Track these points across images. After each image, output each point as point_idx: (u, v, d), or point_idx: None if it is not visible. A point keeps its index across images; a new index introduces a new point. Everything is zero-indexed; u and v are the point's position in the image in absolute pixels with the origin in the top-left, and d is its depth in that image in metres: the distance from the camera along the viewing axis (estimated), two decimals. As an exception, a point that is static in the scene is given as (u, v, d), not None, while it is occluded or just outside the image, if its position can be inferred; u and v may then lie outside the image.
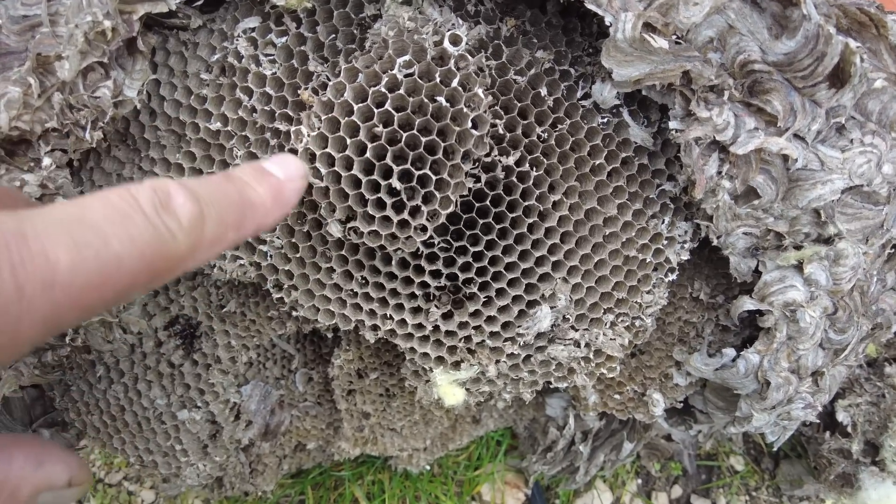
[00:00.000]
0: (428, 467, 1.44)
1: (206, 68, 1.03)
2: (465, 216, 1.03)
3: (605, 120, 1.03)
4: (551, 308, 1.05)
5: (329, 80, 0.98)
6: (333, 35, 1.00)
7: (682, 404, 1.33)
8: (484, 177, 1.00)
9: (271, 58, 1.00)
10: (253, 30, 1.00)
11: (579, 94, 1.02)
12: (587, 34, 1.02)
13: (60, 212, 0.44)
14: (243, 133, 1.02)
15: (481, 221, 1.03)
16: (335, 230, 0.98)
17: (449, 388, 1.07)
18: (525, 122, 1.00)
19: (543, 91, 1.00)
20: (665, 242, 1.08)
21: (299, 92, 0.99)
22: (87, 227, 0.43)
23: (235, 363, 1.21)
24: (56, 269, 0.40)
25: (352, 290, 1.07)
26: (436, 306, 1.08)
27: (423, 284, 1.07)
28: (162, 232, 0.47)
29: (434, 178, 0.93)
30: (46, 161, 0.97)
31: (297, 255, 1.06)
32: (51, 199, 1.00)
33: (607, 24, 0.88)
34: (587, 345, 1.09)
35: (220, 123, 1.02)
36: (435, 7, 0.96)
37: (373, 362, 1.26)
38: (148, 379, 1.22)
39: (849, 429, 1.46)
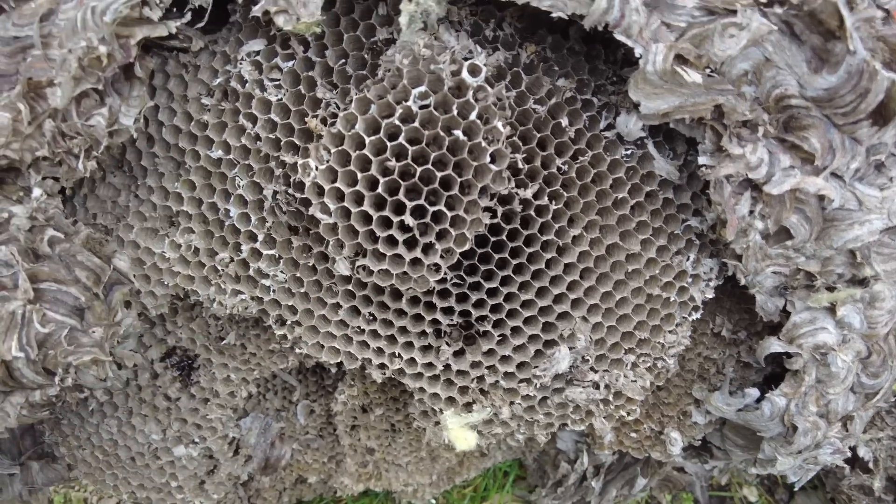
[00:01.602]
0: (434, 501, 1.39)
1: (208, 92, 0.97)
2: (479, 250, 0.98)
3: (629, 152, 0.97)
4: (570, 349, 0.99)
5: (338, 108, 0.93)
6: (343, 60, 0.94)
7: (700, 442, 1.28)
8: (500, 209, 0.95)
9: (277, 83, 0.94)
10: (257, 53, 0.94)
11: (602, 124, 0.96)
12: (611, 61, 0.97)
13: None
14: (246, 162, 0.96)
15: (497, 256, 0.98)
16: (343, 268, 0.93)
17: (461, 432, 1.02)
18: (544, 153, 0.95)
19: (564, 121, 0.95)
20: (689, 280, 1.02)
21: (306, 120, 0.93)
22: None
23: (235, 397, 1.16)
24: None
25: (358, 326, 1.02)
26: (447, 343, 1.02)
27: (435, 322, 1.02)
28: None
29: (449, 214, 0.88)
30: (37, 192, 0.91)
31: (302, 290, 1.00)
32: (41, 231, 0.94)
33: (637, 55, 0.83)
34: (607, 386, 1.04)
35: (222, 151, 0.97)
36: (451, 32, 0.90)
37: (378, 398, 1.20)
38: (143, 413, 1.17)
39: (870, 464, 1.41)
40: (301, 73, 0.94)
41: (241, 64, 0.94)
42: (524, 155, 0.92)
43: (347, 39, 0.93)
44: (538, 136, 0.94)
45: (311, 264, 0.99)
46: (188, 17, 0.89)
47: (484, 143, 0.85)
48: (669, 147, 0.99)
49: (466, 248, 0.90)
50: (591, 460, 1.41)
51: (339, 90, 0.94)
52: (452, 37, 0.90)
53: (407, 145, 0.86)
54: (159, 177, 1.01)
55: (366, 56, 0.94)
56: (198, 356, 1.15)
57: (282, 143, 0.95)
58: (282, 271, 0.99)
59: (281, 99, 0.94)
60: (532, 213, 0.96)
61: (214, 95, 0.97)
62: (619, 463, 1.44)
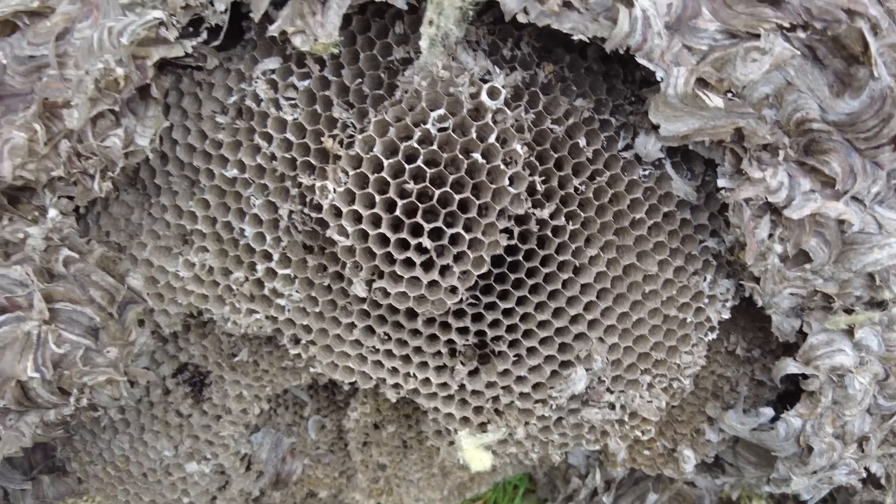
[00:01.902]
0: (444, 515, 1.39)
1: (222, 110, 0.97)
2: (495, 270, 0.97)
3: (647, 172, 0.97)
4: (587, 370, 0.99)
5: (355, 128, 0.92)
6: (360, 79, 0.93)
7: (712, 459, 1.27)
8: (517, 229, 0.94)
9: (292, 102, 0.94)
10: (273, 71, 0.94)
11: (620, 144, 0.96)
12: (629, 81, 0.96)
13: None
14: (262, 181, 0.96)
15: (513, 276, 0.97)
16: (360, 290, 0.92)
17: (476, 453, 1.01)
18: (561, 173, 0.94)
19: (582, 141, 0.94)
20: (706, 301, 1.02)
21: (322, 139, 0.92)
22: None
23: (247, 414, 1.15)
24: None
25: (373, 346, 1.01)
26: (461, 363, 1.02)
27: (450, 341, 1.01)
28: None
29: (467, 237, 0.87)
30: (52, 213, 0.91)
31: (316, 309, 1.00)
32: (55, 251, 0.94)
33: (658, 78, 0.82)
34: (622, 407, 1.03)
35: (237, 170, 0.96)
36: (469, 52, 0.90)
37: (390, 415, 1.20)
38: (155, 429, 1.16)
39: (882, 480, 1.40)
40: (317, 92, 0.93)
41: (256, 82, 0.93)
42: (541, 174, 0.91)
43: (364, 58, 0.93)
44: (555, 155, 0.93)
45: (326, 284, 0.99)
46: (204, 35, 0.89)
47: (502, 166, 0.84)
48: (687, 167, 0.98)
49: (484, 270, 0.89)
50: (603, 475, 1.40)
51: (356, 109, 0.93)
52: (470, 57, 0.89)
53: (425, 168, 0.85)
54: (173, 195, 1.00)
55: (382, 75, 0.94)
56: (210, 372, 1.15)
57: (297, 162, 0.94)
58: (297, 291, 0.98)
59: (297, 118, 0.93)
60: (549, 233, 0.95)
61: (229, 113, 0.96)
62: (630, 478, 1.43)
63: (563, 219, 0.95)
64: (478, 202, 0.86)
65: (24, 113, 0.89)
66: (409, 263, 0.90)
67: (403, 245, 0.89)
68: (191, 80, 0.97)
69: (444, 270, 0.90)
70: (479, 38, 0.91)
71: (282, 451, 1.27)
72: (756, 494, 1.67)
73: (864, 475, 1.08)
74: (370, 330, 1.01)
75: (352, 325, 1.00)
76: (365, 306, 0.99)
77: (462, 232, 0.87)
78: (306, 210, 0.96)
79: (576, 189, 0.95)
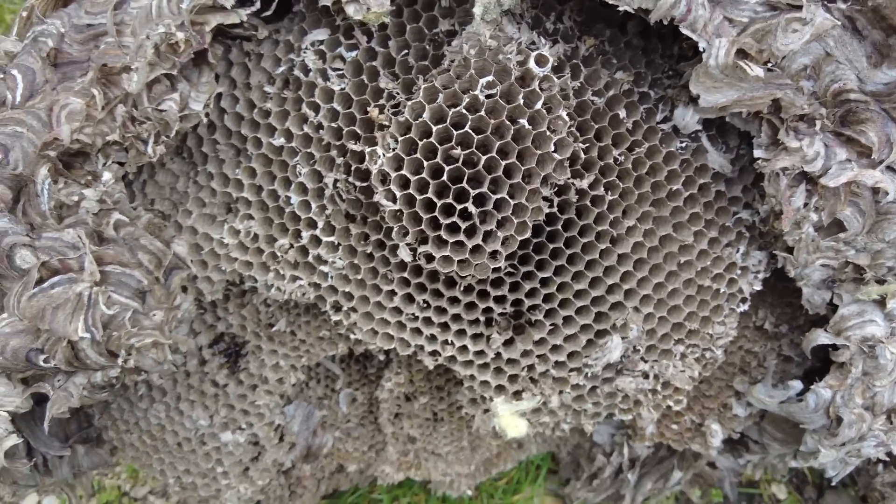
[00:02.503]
0: (470, 492, 1.40)
1: (270, 80, 0.99)
2: (533, 240, 0.99)
3: (684, 144, 0.99)
4: (622, 338, 1.01)
5: (400, 98, 0.95)
6: (406, 51, 0.96)
7: (738, 434, 1.29)
8: (556, 199, 0.96)
9: (340, 72, 0.96)
10: (321, 42, 0.96)
11: (658, 117, 0.98)
12: (667, 56, 0.99)
13: None
14: (308, 150, 0.98)
15: (551, 246, 1.00)
16: (405, 255, 0.94)
17: (511, 420, 1.03)
18: (601, 144, 0.97)
19: (622, 113, 0.96)
20: (739, 272, 1.04)
21: (368, 109, 0.95)
22: None
23: (283, 384, 1.17)
24: None
25: (412, 313, 1.03)
26: (497, 332, 1.04)
27: (487, 310, 1.03)
28: None
29: (512, 202, 0.90)
30: (107, 175, 0.93)
31: (358, 277, 1.02)
32: (107, 214, 0.96)
33: (701, 49, 0.85)
34: (655, 377, 1.05)
35: (284, 139, 0.98)
36: (514, 25, 0.92)
37: (423, 386, 1.22)
38: (190, 399, 1.18)
39: (903, 460, 1.42)
40: (364, 63, 0.96)
41: (304, 53, 0.96)
42: (584, 146, 0.93)
43: (410, 30, 0.95)
44: (595, 126, 0.96)
45: (368, 252, 1.01)
46: (257, 5, 0.91)
47: (548, 133, 0.87)
48: (722, 140, 1.01)
49: (527, 235, 0.91)
50: (630, 452, 1.42)
51: (401, 80, 0.96)
52: (514, 28, 0.92)
53: (472, 134, 0.87)
54: (219, 163, 1.02)
55: (427, 47, 0.96)
56: (246, 343, 1.17)
57: (343, 131, 0.97)
58: (340, 258, 1.00)
59: (343, 88, 0.96)
60: (588, 202, 0.97)
61: (276, 83, 0.98)
62: (654, 456, 1.45)
63: (602, 189, 0.97)
64: (523, 168, 0.88)
65: (81, 79, 0.91)
66: (453, 228, 0.92)
67: (448, 210, 0.91)
68: (240, 51, 0.99)
69: (488, 236, 0.92)
70: (522, 12, 0.94)
71: (313, 423, 1.29)
72: (776, 479, 1.69)
73: (893, 448, 1.10)
74: (410, 297, 1.03)
75: (392, 293, 1.02)
76: (405, 274, 1.01)
77: (507, 197, 0.89)
78: (351, 179, 0.98)
79: (615, 160, 0.97)
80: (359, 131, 0.96)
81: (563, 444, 1.50)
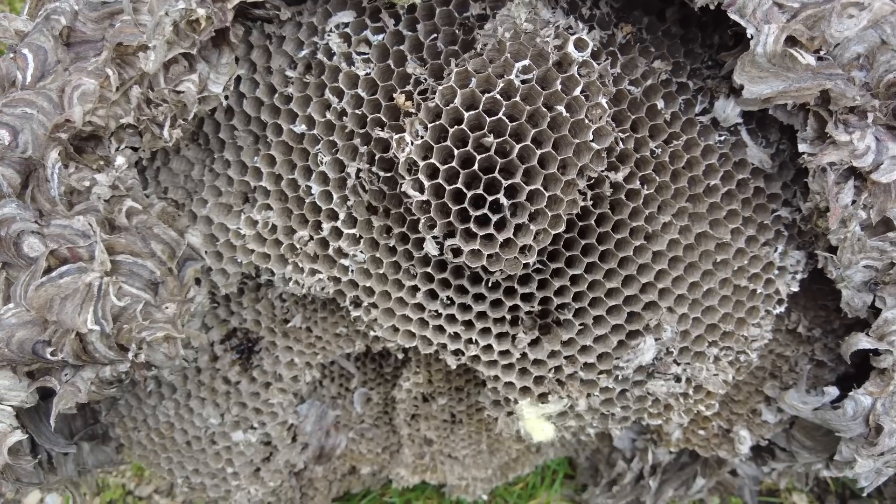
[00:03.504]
0: (485, 497, 1.36)
1: (291, 64, 0.95)
2: (565, 235, 0.95)
3: (723, 138, 0.95)
4: (656, 340, 0.96)
5: (428, 84, 0.90)
6: (434, 35, 0.92)
7: (767, 441, 1.25)
8: (589, 192, 0.92)
9: (365, 57, 0.92)
10: (346, 25, 0.92)
11: (697, 108, 0.94)
12: (707, 45, 0.95)
13: None
14: (330, 138, 0.94)
15: (582, 242, 0.95)
16: (432, 247, 0.90)
17: (537, 423, 0.99)
18: (637, 135, 0.92)
19: (660, 104, 0.92)
20: (776, 272, 1.00)
21: (394, 96, 0.90)
22: None
23: (298, 382, 1.13)
24: None
25: (435, 310, 0.99)
26: (523, 331, 0.99)
27: (514, 308, 0.99)
28: None
29: (546, 194, 0.85)
30: (120, 160, 0.89)
31: (380, 271, 0.97)
32: (119, 201, 0.92)
33: (748, 35, 0.80)
34: (688, 380, 1.01)
35: (306, 126, 0.94)
36: (549, 8, 0.88)
37: (442, 387, 1.17)
38: (201, 396, 1.14)
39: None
40: (391, 47, 0.91)
41: (329, 36, 0.92)
42: (626, 134, 0.89)
43: (439, 14, 0.91)
44: (632, 117, 0.92)
45: (390, 245, 0.97)
46: (281, -16, 0.87)
47: (587, 121, 0.82)
48: (762, 135, 0.96)
49: (561, 229, 0.87)
50: (653, 458, 1.38)
51: (429, 66, 0.92)
52: (549, 13, 0.88)
53: (506, 121, 0.83)
54: (237, 150, 0.98)
55: (457, 31, 0.92)
56: (260, 339, 1.13)
57: (368, 119, 0.93)
58: (361, 251, 0.96)
59: (369, 73, 0.91)
60: (622, 197, 0.93)
61: (297, 68, 0.94)
62: (676, 462, 1.41)
63: (638, 183, 0.93)
64: (559, 158, 0.84)
65: (95, 59, 0.87)
66: (483, 221, 0.88)
67: (478, 202, 0.87)
68: (260, 33, 0.95)
69: (518, 229, 0.88)
70: (558, -4, 0.90)
71: (326, 423, 1.25)
72: (796, 488, 1.64)
73: (933, 458, 1.05)
74: (433, 294, 0.99)
75: (415, 289, 0.98)
76: (429, 269, 0.97)
77: (541, 188, 0.85)
78: (374, 169, 0.94)
79: (651, 152, 0.93)
80: (384, 119, 0.92)
81: (581, 449, 1.45)
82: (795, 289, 1.02)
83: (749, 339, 1.02)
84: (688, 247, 0.96)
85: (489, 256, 0.88)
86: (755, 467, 1.43)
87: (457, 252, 0.89)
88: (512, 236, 0.87)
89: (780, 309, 1.02)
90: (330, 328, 1.11)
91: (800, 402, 1.11)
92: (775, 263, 0.99)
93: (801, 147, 0.89)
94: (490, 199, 0.86)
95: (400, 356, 1.13)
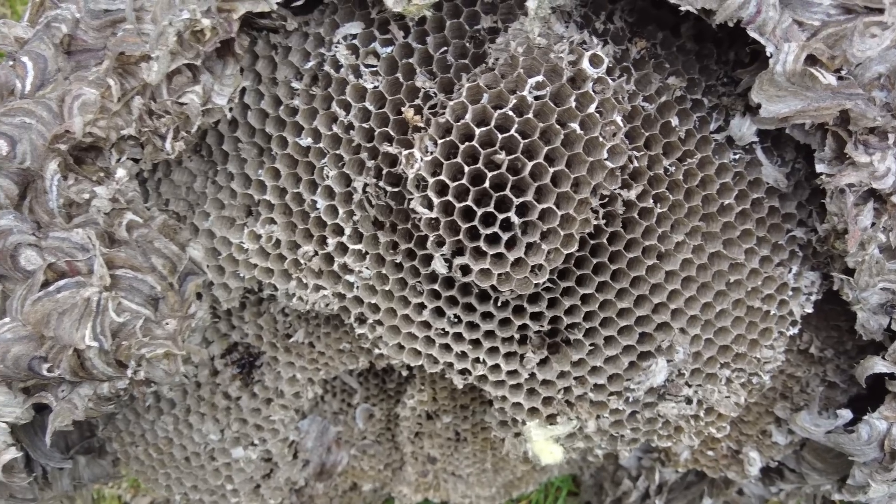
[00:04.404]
0: (488, 515, 1.34)
1: (297, 76, 0.93)
2: (576, 254, 0.93)
3: (737, 157, 0.93)
4: (668, 361, 0.94)
5: (437, 99, 0.88)
6: (444, 48, 0.90)
7: (777, 462, 1.23)
8: (601, 210, 0.90)
9: (373, 69, 0.90)
10: (354, 37, 0.90)
11: (712, 126, 0.92)
12: (722, 62, 0.93)
13: None
14: (336, 151, 0.92)
15: (594, 261, 0.93)
16: (440, 266, 0.88)
17: (545, 445, 0.96)
18: (651, 153, 0.90)
19: (674, 121, 0.90)
20: (790, 293, 0.98)
21: (403, 110, 0.88)
22: None
23: (300, 398, 1.11)
24: None
25: (442, 328, 0.97)
26: (531, 351, 0.97)
27: (523, 327, 0.97)
28: None
29: (559, 213, 0.83)
30: (120, 172, 0.87)
31: (386, 288, 0.95)
32: (119, 214, 0.89)
33: (768, 54, 0.78)
34: (699, 402, 0.99)
35: (312, 139, 0.92)
36: (562, 23, 0.86)
37: (447, 405, 1.15)
38: (201, 411, 1.11)
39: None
40: (399, 60, 0.89)
41: (336, 47, 0.89)
42: (641, 152, 0.87)
43: (449, 26, 0.89)
44: (645, 134, 0.90)
45: (397, 261, 0.94)
46: (288, -6, 0.85)
47: (601, 138, 0.80)
48: (777, 154, 0.94)
49: (573, 249, 0.85)
50: (660, 477, 1.35)
51: (438, 80, 0.89)
52: (563, 27, 0.86)
53: (518, 137, 0.81)
54: (241, 163, 0.96)
55: (468, 44, 0.90)
56: (261, 354, 1.10)
57: (375, 133, 0.90)
58: (367, 267, 0.94)
59: (377, 86, 0.89)
60: (635, 215, 0.91)
61: (304, 80, 0.92)
62: (682, 482, 1.39)
63: (651, 201, 0.91)
64: (572, 176, 0.82)
65: (96, 68, 0.85)
66: (493, 239, 0.85)
67: (488, 220, 0.85)
68: (266, 43, 0.93)
69: (529, 248, 0.86)
70: (571, 10, 0.88)
71: (328, 439, 1.22)
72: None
73: (948, 484, 1.03)
74: (440, 311, 0.97)
75: (421, 306, 0.96)
76: (436, 286, 0.95)
77: (553, 207, 0.83)
78: (381, 183, 0.91)
79: (665, 170, 0.91)
80: (392, 133, 0.90)
81: (585, 467, 1.43)
82: (809, 310, 1.00)
83: (762, 361, 0.99)
84: (701, 266, 0.94)
85: (499, 276, 0.86)
86: (762, 487, 1.41)
87: (466, 270, 0.87)
88: (523, 255, 0.85)
89: (794, 330, 1.00)
90: (333, 344, 1.08)
91: (812, 424, 1.09)
92: (789, 284, 0.97)
93: (819, 167, 0.87)
94: (501, 217, 0.84)
95: (404, 373, 1.11)
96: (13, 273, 0.85)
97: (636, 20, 0.91)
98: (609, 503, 1.39)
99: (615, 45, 0.89)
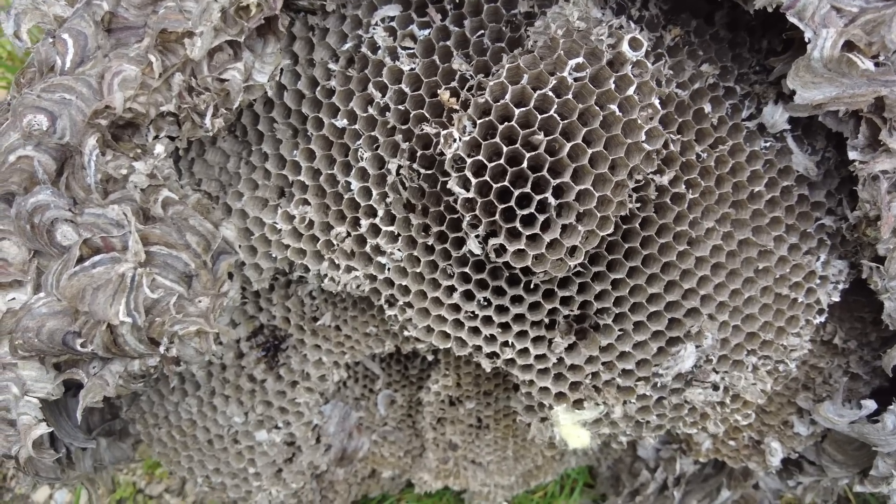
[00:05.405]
0: (505, 503, 1.34)
1: (334, 57, 0.93)
2: (607, 238, 0.93)
3: (768, 144, 0.94)
4: (696, 347, 0.95)
5: (473, 81, 0.89)
6: (481, 31, 0.90)
7: (797, 454, 1.23)
8: (635, 196, 0.90)
9: (410, 52, 0.90)
10: (392, 19, 0.90)
11: (744, 113, 0.93)
12: (755, 50, 0.94)
13: None
14: (372, 133, 0.92)
15: (625, 245, 0.94)
16: (475, 247, 0.88)
17: (573, 429, 0.97)
18: (683, 139, 0.91)
19: (707, 108, 0.91)
20: (818, 282, 0.98)
21: (439, 92, 0.89)
22: None
23: (325, 381, 1.11)
24: None
25: (472, 311, 0.97)
26: (560, 336, 0.97)
27: (552, 311, 0.97)
28: None
29: (596, 195, 0.84)
30: (158, 148, 0.87)
31: (417, 270, 0.96)
32: (155, 191, 0.90)
33: (806, 39, 0.79)
34: (725, 389, 0.99)
35: (347, 121, 0.92)
36: (598, 8, 0.87)
37: (470, 390, 1.15)
38: (225, 394, 1.12)
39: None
40: (436, 43, 0.90)
41: (374, 29, 0.90)
42: (675, 137, 0.88)
43: (486, 10, 0.90)
44: (678, 120, 0.90)
45: (428, 244, 0.95)
46: (329, -25, 0.86)
47: (640, 121, 0.81)
48: (808, 142, 0.95)
49: (609, 231, 0.85)
50: (672, 469, 1.36)
51: (475, 63, 0.90)
52: (598, 12, 0.87)
53: (557, 118, 0.82)
54: (276, 143, 0.96)
55: (504, 29, 0.90)
56: (287, 337, 1.11)
57: (410, 115, 0.91)
58: (399, 249, 0.94)
59: (413, 69, 0.90)
60: (667, 200, 0.92)
61: (341, 61, 0.93)
62: (700, 473, 1.39)
63: (683, 186, 0.91)
64: (610, 158, 0.83)
65: (136, 45, 0.85)
66: (529, 221, 0.86)
67: (521, 201, 0.86)
68: (303, 24, 0.93)
69: (565, 230, 0.86)
70: (607, -4, 0.89)
71: (349, 425, 1.23)
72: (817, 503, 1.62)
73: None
74: (470, 294, 0.97)
75: (451, 289, 0.96)
76: (467, 269, 0.95)
77: (591, 189, 0.83)
78: (415, 166, 0.92)
79: (697, 156, 0.91)
80: (427, 115, 0.90)
81: (602, 458, 1.43)
82: (837, 299, 1.00)
83: (788, 349, 1.00)
84: (730, 253, 0.95)
85: (534, 257, 0.86)
86: (778, 480, 1.41)
87: (500, 251, 0.87)
88: (558, 237, 0.85)
89: (821, 319, 1.01)
90: (360, 327, 1.09)
91: (836, 414, 1.10)
92: (817, 272, 0.98)
93: (852, 154, 0.88)
94: (538, 198, 0.84)
95: (430, 357, 1.11)
96: (49, 248, 0.85)
97: (670, 8, 0.92)
98: (626, 494, 1.40)
99: (650, 32, 0.90)
